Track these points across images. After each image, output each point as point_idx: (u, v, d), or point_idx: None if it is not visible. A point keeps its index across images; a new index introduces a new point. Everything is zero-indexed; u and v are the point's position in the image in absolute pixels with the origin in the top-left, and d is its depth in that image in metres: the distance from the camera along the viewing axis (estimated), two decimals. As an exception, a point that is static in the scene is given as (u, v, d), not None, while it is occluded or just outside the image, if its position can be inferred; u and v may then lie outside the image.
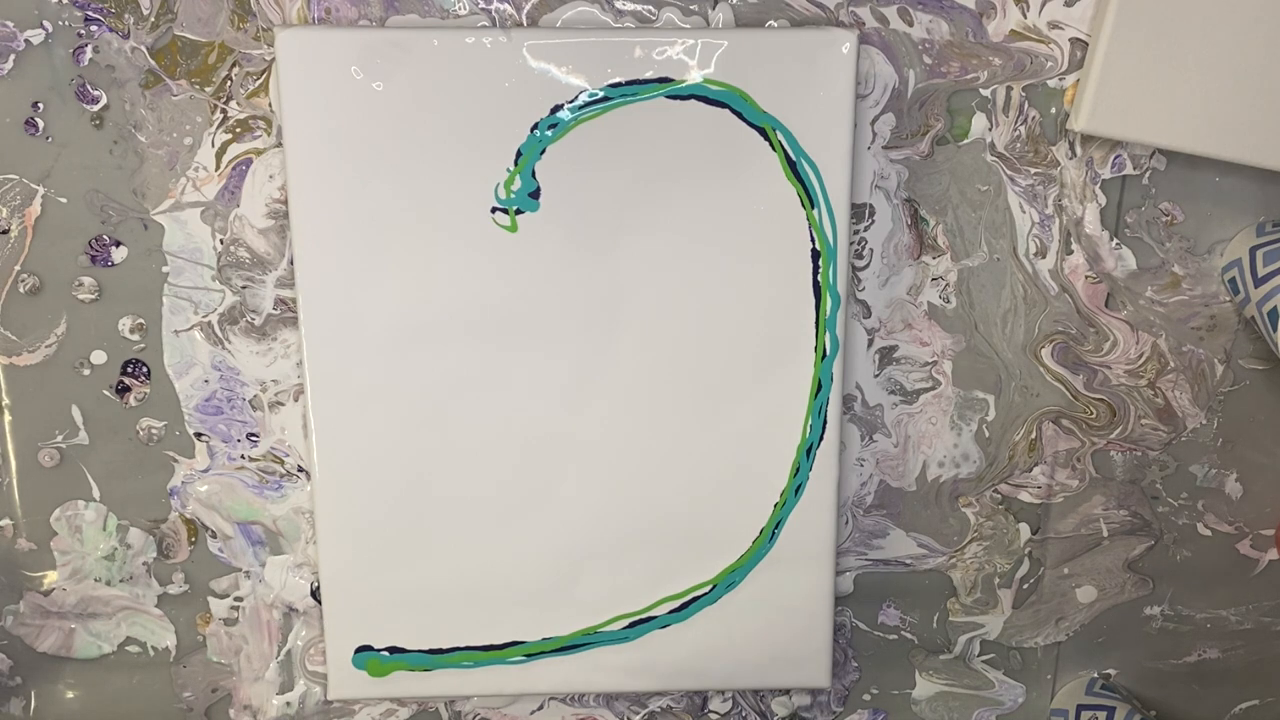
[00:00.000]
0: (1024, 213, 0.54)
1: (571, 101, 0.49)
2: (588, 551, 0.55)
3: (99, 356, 0.54)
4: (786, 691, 0.60)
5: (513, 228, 0.51)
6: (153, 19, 0.50)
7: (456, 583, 0.55)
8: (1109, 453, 0.58)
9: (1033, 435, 0.57)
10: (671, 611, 0.56)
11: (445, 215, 0.50)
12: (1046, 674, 0.62)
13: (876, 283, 0.55)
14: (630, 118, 0.50)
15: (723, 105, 0.50)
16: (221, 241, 0.53)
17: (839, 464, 0.54)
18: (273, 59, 0.50)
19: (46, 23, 0.50)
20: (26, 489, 0.56)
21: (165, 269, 0.53)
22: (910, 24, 0.51)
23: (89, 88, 0.51)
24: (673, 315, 0.52)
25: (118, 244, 0.53)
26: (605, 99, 0.49)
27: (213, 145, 0.52)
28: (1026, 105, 0.53)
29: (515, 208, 0.51)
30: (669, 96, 0.50)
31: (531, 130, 0.50)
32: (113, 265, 0.53)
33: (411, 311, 0.51)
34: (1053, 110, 0.53)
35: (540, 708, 0.60)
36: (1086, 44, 0.52)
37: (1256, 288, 0.53)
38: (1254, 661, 0.62)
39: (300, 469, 0.56)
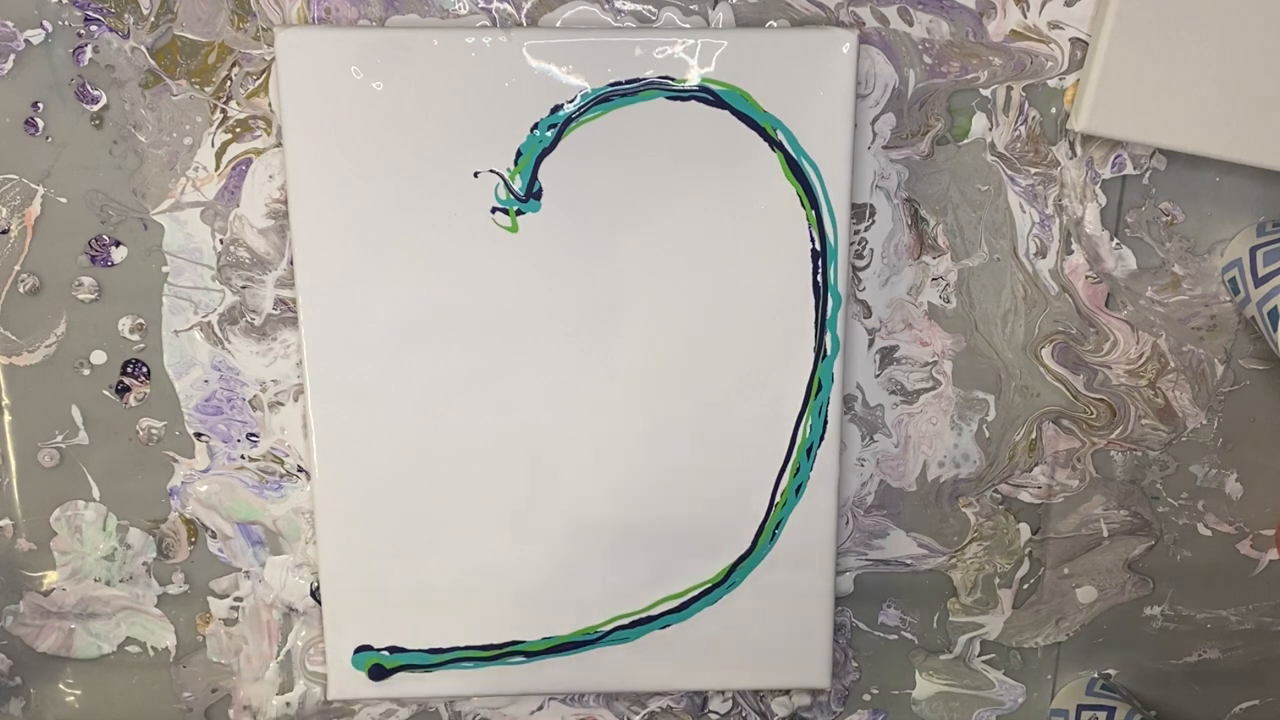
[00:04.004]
0: (1024, 213, 0.54)
1: (571, 101, 0.49)
2: (588, 551, 0.55)
3: (99, 356, 0.54)
4: (786, 691, 0.60)
5: (513, 228, 0.51)
6: (153, 19, 0.50)
7: (456, 583, 0.55)
8: (1109, 453, 0.58)
9: (1033, 435, 0.57)
10: (671, 611, 0.56)
11: (445, 215, 0.50)
12: (1046, 674, 0.62)
13: (877, 283, 0.55)
14: (630, 118, 0.50)
15: (723, 105, 0.50)
16: (221, 241, 0.53)
17: (839, 464, 0.54)
18: (273, 59, 0.50)
19: (46, 23, 0.50)
20: (26, 489, 0.56)
21: (165, 269, 0.53)
22: (910, 24, 0.51)
23: (89, 88, 0.51)
24: (673, 315, 0.52)
25: (118, 244, 0.53)
26: (605, 99, 0.49)
27: (213, 145, 0.52)
28: (1026, 105, 0.53)
29: (516, 208, 0.51)
30: (669, 97, 0.50)
31: (531, 130, 0.50)
32: (113, 265, 0.53)
33: (411, 311, 0.51)
34: (1053, 110, 0.53)
35: (540, 708, 0.60)
36: (1086, 44, 0.51)
37: (1256, 288, 0.53)
38: (1254, 661, 0.62)
39: (300, 469, 0.56)
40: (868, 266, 0.54)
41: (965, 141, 0.53)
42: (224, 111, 0.51)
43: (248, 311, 0.54)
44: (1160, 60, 0.49)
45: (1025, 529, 0.59)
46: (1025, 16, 0.51)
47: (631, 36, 0.49)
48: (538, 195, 0.50)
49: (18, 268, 0.53)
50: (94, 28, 0.50)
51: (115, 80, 0.51)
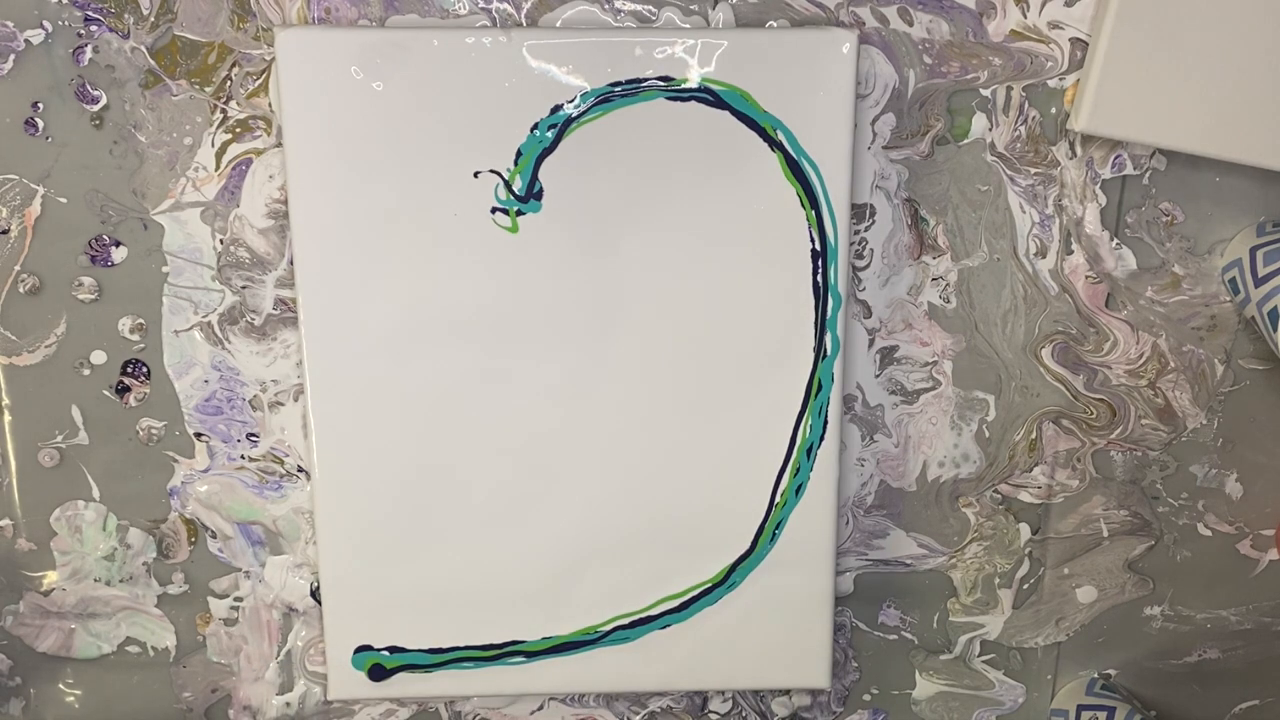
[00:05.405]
0: (1024, 213, 0.54)
1: (571, 102, 0.49)
2: (588, 551, 0.55)
3: (99, 356, 0.54)
4: (786, 691, 0.60)
5: (513, 228, 0.51)
6: (153, 19, 0.50)
7: (456, 583, 0.55)
8: (1109, 453, 0.58)
9: (1033, 435, 0.57)
10: (671, 611, 0.56)
11: (445, 215, 0.50)
12: (1046, 674, 0.62)
13: (877, 283, 0.55)
14: (630, 118, 0.50)
15: (723, 105, 0.50)
16: (221, 241, 0.53)
17: (839, 464, 0.54)
18: (273, 59, 0.50)
19: (46, 23, 0.50)
20: (26, 489, 0.56)
21: (165, 269, 0.53)
22: (910, 24, 0.51)
23: (89, 88, 0.51)
24: (673, 315, 0.52)
25: (118, 244, 0.53)
26: (605, 99, 0.49)
27: (213, 145, 0.52)
28: (1026, 105, 0.53)
29: (516, 208, 0.51)
30: (669, 97, 0.50)
31: (531, 130, 0.50)
32: (113, 265, 0.53)
33: (411, 312, 0.51)
34: (1053, 110, 0.53)
35: (540, 708, 0.60)
36: (1086, 44, 0.52)
37: (1256, 288, 0.53)
38: (1254, 661, 0.62)
39: (300, 469, 0.56)
40: (868, 266, 0.54)
41: (965, 141, 0.53)
42: (224, 111, 0.51)
43: (248, 311, 0.54)
44: (1160, 60, 0.49)
45: (1025, 529, 0.59)
46: (1025, 16, 0.51)
47: (631, 36, 0.49)
48: (538, 195, 0.50)
49: (18, 268, 0.53)
50: (94, 28, 0.50)
51: (115, 80, 0.51)
